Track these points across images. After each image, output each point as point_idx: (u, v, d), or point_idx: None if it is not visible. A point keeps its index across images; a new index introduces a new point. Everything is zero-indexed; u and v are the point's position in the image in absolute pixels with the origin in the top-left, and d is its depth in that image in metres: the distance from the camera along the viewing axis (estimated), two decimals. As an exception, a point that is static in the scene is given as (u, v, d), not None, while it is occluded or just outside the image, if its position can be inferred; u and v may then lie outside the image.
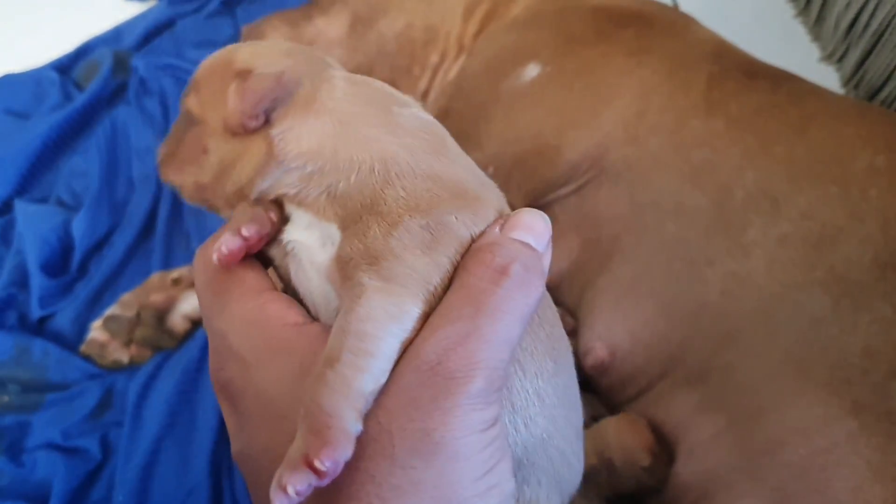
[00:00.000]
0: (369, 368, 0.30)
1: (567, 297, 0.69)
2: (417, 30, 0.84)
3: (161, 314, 0.72)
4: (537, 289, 0.32)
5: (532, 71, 0.71)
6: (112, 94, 0.95)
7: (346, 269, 0.33)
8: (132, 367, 0.72)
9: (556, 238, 0.70)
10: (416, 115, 0.38)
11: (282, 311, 0.34)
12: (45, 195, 0.87)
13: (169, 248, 0.81)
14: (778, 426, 0.57)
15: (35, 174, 0.87)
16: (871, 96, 0.91)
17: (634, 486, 0.60)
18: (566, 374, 0.38)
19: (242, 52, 0.39)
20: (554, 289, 0.70)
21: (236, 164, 0.38)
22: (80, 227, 0.80)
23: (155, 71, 0.95)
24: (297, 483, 0.28)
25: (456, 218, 0.33)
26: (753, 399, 0.59)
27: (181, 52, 0.98)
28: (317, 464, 0.28)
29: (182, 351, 0.73)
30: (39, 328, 0.76)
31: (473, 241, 0.33)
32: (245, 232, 0.35)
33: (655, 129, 0.67)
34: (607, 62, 0.70)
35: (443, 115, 0.76)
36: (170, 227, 0.83)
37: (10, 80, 0.98)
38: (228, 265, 0.36)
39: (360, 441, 0.29)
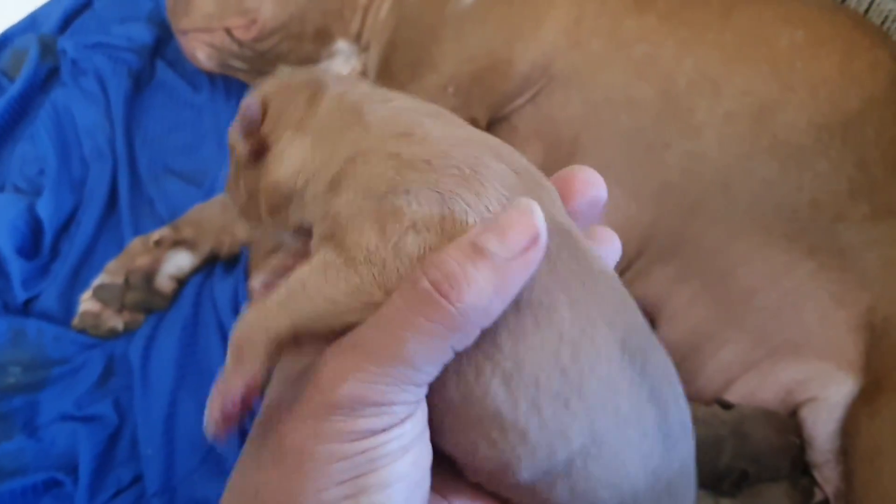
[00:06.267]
0: (278, 321, 0.31)
1: (537, 200, 0.74)
2: None
3: (149, 276, 0.74)
4: (458, 308, 0.28)
5: (472, -7, 0.74)
6: (45, 79, 0.94)
7: (318, 245, 0.33)
8: (127, 333, 0.73)
9: (520, 147, 0.74)
10: (389, 107, 0.36)
11: None
12: (-1, 185, 0.86)
13: (136, 216, 0.82)
14: (748, 278, 0.64)
15: (-16, 166, 0.86)
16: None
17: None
18: (592, 376, 0.32)
19: (265, 85, 0.40)
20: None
21: (258, 191, 0.38)
22: (45, 210, 0.80)
23: (84, 50, 0.94)
24: (215, 410, 0.30)
25: (408, 194, 0.31)
26: (723, 259, 0.65)
27: (106, 29, 0.98)
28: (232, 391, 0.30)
29: (174, 310, 0.74)
30: (25, 311, 0.76)
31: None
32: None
33: (595, 32, 0.71)
34: (540, -24, 0.75)
35: (390, 48, 0.79)
36: (132, 196, 0.84)
37: (-68, 79, 0.96)
38: None
39: (250, 438, 0.32)
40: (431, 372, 0.29)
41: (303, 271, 0.32)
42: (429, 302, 0.28)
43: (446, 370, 0.31)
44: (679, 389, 0.35)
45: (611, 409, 0.31)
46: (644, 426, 0.32)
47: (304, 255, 0.35)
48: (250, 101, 0.37)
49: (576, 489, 0.32)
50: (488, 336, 0.30)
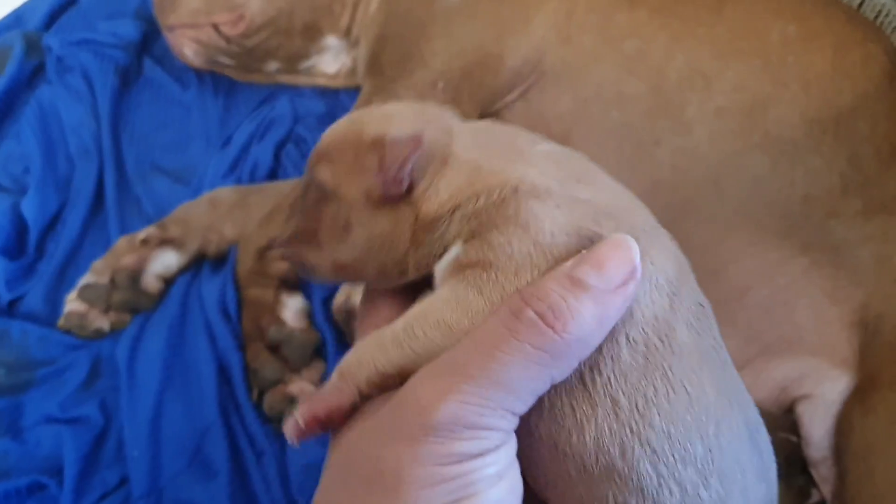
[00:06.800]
0: (391, 357, 0.32)
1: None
2: None
3: (135, 276, 0.73)
4: (563, 337, 0.29)
5: (462, -14, 0.74)
6: (30, 77, 0.93)
7: (457, 269, 0.33)
8: (113, 333, 0.72)
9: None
10: (549, 148, 0.37)
11: None
12: (-17, 184, 0.85)
13: (122, 215, 0.81)
14: (740, 275, 0.63)
15: (-33, 165, 0.85)
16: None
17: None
18: (729, 455, 0.33)
19: (372, 119, 0.37)
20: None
21: (390, 238, 0.36)
22: (30, 209, 0.79)
23: (70, 47, 0.93)
24: (303, 414, 0.33)
25: (592, 239, 0.32)
26: (714, 257, 0.64)
27: (92, 26, 0.96)
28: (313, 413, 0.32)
29: (161, 310, 0.73)
30: (10, 312, 0.75)
31: None
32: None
33: (585, 28, 0.71)
34: (531, -29, 0.74)
35: (380, 43, 0.78)
36: (119, 195, 0.82)
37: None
38: None
39: (333, 463, 0.32)
40: (528, 401, 0.30)
41: (431, 304, 0.33)
42: (535, 331, 0.29)
43: (584, 442, 0.31)
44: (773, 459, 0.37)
45: (740, 489, 0.33)
46: (754, 499, 0.34)
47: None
48: (404, 140, 0.35)
49: None
50: (637, 414, 0.31)
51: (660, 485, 0.31)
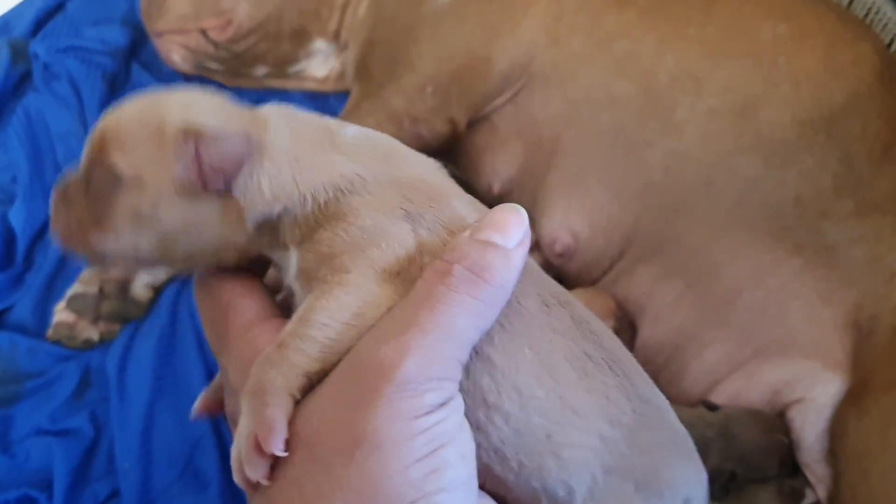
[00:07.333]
0: (308, 351, 0.33)
1: (520, 201, 0.72)
2: None
3: (124, 285, 0.72)
4: (492, 285, 0.33)
5: (450, -10, 0.73)
6: (16, 84, 0.92)
7: (309, 276, 0.35)
8: (103, 343, 0.72)
9: (500, 147, 0.73)
10: (357, 132, 0.39)
11: (272, 342, 0.35)
12: (-30, 194, 0.84)
13: (112, 225, 0.80)
14: (733, 277, 0.63)
15: (-46, 175, 0.85)
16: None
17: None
18: (566, 365, 0.37)
19: (173, 106, 0.37)
20: (506, 195, 0.73)
21: (204, 227, 0.37)
22: (18, 219, 0.79)
23: (57, 54, 0.92)
24: (258, 471, 0.32)
25: (407, 212, 0.35)
26: (706, 259, 0.64)
27: (79, 32, 0.96)
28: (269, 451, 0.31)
29: (151, 319, 0.73)
30: (-1, 323, 0.74)
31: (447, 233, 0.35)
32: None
33: (574, 30, 0.70)
34: (518, -27, 0.73)
35: (368, 47, 0.78)
36: (108, 205, 0.82)
37: None
38: None
39: (290, 447, 0.31)
40: (468, 350, 0.34)
41: (316, 301, 0.34)
42: (470, 282, 0.33)
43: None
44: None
45: (576, 378, 0.36)
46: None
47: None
48: (233, 138, 0.35)
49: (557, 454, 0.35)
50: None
51: (499, 392, 0.35)
